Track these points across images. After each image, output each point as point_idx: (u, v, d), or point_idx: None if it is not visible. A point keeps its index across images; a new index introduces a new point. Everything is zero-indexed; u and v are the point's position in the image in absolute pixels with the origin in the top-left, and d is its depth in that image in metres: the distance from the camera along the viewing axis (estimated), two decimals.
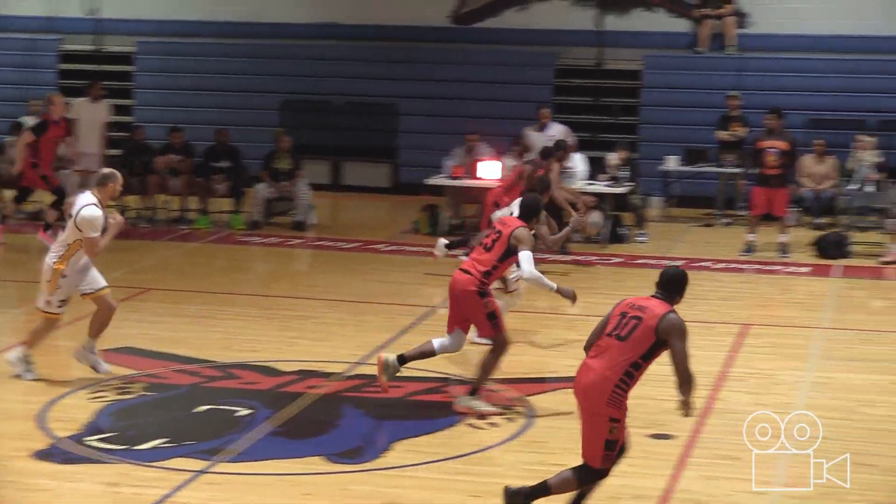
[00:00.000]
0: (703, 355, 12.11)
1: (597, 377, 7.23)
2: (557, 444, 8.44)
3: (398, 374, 9.44)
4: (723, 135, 19.16)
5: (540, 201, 10.14)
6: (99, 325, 9.95)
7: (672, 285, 7.47)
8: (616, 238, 16.43)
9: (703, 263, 16.19)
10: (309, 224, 17.21)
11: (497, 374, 9.82)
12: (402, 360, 9.49)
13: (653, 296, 7.41)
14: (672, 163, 18.63)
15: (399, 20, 21.06)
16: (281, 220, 17.51)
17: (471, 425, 8.90)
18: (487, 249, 9.52)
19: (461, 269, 9.51)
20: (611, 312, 7.38)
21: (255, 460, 8.34)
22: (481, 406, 9.32)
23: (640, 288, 8.76)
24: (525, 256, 9.38)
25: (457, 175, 16.73)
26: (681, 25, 21.97)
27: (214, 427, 8.73)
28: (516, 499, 7.42)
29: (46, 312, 9.81)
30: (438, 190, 17.20)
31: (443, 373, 10.18)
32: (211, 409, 9.03)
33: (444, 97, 20.91)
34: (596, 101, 20.42)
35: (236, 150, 17.82)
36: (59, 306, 9.72)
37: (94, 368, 9.86)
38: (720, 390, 10.87)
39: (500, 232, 9.57)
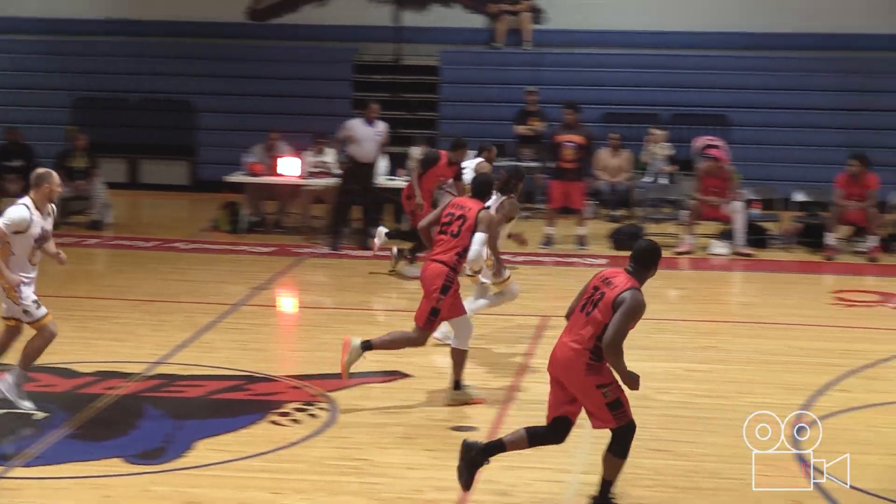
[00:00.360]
0: (504, 347, 12.46)
1: (569, 352, 7.46)
2: (360, 438, 8.54)
3: (208, 374, 9.56)
4: (521, 129, 19.48)
5: (492, 179, 10.58)
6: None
7: (643, 258, 7.64)
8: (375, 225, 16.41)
9: (503, 256, 16.12)
10: (106, 223, 17.07)
11: (298, 371, 10.12)
12: (368, 346, 9.59)
13: (625, 269, 7.58)
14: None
15: (195, 16, 20.99)
16: (77, 220, 17.30)
17: (274, 423, 8.95)
18: (455, 235, 9.65)
19: (433, 259, 9.62)
20: (586, 286, 7.60)
21: (53, 464, 8.20)
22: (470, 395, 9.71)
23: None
24: (479, 238, 9.60)
25: (256, 172, 16.71)
26: (477, 21, 22.28)
27: (9, 431, 8.54)
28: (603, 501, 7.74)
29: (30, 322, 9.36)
30: (238, 187, 17.12)
31: (245, 371, 10.17)
32: (5, 412, 8.81)
33: (242, 94, 20.98)
34: (394, 97, 20.57)
35: (30, 149, 17.47)
36: (38, 307, 9.25)
37: None
38: (521, 381, 11.04)
39: (463, 216, 9.66)
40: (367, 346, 9.60)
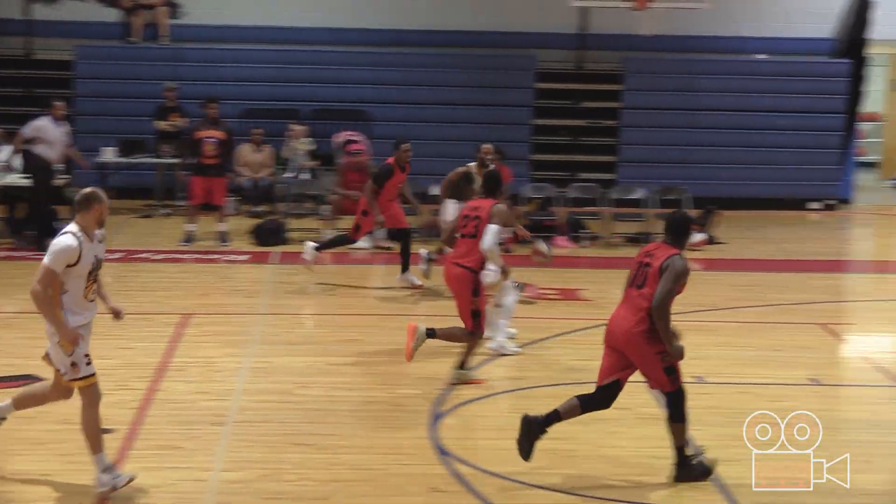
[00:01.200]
0: (143, 347, 12.25)
1: (627, 324, 8.20)
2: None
3: None
4: (161, 125, 19.29)
5: (499, 175, 10.86)
6: None
7: (677, 228, 8.33)
8: (50, 233, 16.15)
9: (142, 255, 16.40)
10: None
11: None
12: (432, 334, 10.36)
13: (663, 241, 8.30)
14: (109, 154, 18.64)
15: None
16: None
17: None
18: (473, 236, 10.11)
19: (454, 263, 10.18)
20: (634, 263, 8.37)
21: None
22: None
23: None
24: (492, 230, 10.02)
25: None
26: (113, 15, 21.85)
27: None
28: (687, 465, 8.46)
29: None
30: None
31: None
32: None
33: None
34: (27, 93, 20.08)
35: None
36: (88, 363, 8.19)
37: None
38: (161, 381, 10.97)
39: (477, 217, 10.13)
40: (430, 333, 10.37)
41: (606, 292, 15.04)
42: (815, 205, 22.00)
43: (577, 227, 18.80)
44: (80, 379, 8.04)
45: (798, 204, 22.07)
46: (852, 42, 22.27)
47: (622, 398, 9.38)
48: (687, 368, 9.18)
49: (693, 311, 13.88)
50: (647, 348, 8.31)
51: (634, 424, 10.65)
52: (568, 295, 15.32)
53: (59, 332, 7.95)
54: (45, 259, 7.91)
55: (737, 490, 8.85)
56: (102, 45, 21.55)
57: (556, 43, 22.22)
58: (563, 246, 18.10)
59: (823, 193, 22.27)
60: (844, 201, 22.58)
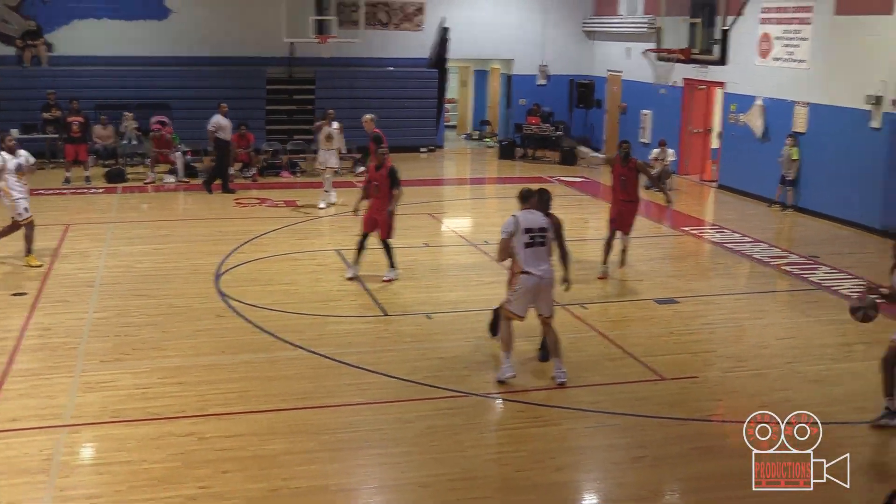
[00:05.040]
0: (44, 244, 13.62)
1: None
2: None
3: None
4: (46, 115, 20.53)
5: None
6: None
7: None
8: None
9: (41, 192, 17.73)
10: None
11: None
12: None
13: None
14: (15, 133, 18.07)
15: None
16: None
17: None
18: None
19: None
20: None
21: None
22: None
23: None
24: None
25: None
26: (11, 51, 22.27)
27: None
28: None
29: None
30: None
31: None
32: None
33: None
34: None
35: None
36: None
37: None
38: (55, 263, 12.98)
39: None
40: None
41: (311, 199, 17.89)
42: (423, 149, 25.09)
43: (295, 165, 21.85)
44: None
45: (415, 148, 24.94)
46: (438, 60, 25.34)
47: None
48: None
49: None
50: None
51: None
52: (290, 203, 17.94)
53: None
54: None
55: None
56: (4, 69, 22.08)
57: (278, 63, 24.04)
58: (286, 177, 21.06)
59: (428, 142, 25.45)
60: (439, 147, 26.02)
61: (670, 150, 21.28)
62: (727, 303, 12.42)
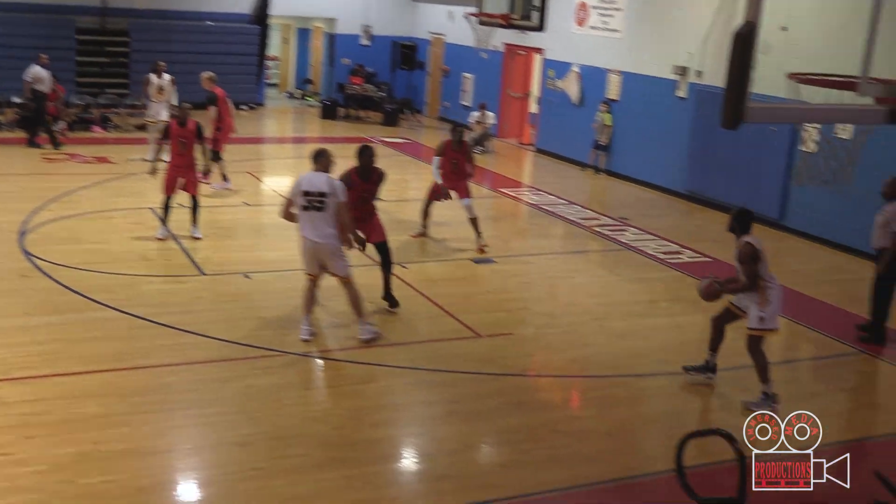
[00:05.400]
0: None
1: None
2: None
3: None
4: None
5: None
6: None
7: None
8: None
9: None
10: None
11: None
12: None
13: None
14: None
15: None
16: None
17: None
18: None
19: None
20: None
21: None
22: None
23: None
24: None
25: None
26: None
27: None
28: None
29: None
30: None
31: None
32: None
33: None
34: None
35: None
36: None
37: None
38: None
39: None
40: None
41: (126, 157, 17.78)
42: (244, 106, 24.29)
43: (107, 120, 21.20)
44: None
45: (236, 105, 22.06)
46: (260, 16, 25.04)
47: None
48: None
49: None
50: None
51: None
52: (102, 160, 17.50)
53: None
54: None
55: None
56: None
57: (89, 12, 23.10)
58: (98, 132, 20.47)
59: (249, 99, 25.22)
60: (260, 105, 26.06)
61: (490, 114, 21.71)
62: (542, 262, 12.86)
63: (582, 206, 16.37)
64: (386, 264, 10.33)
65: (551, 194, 17.15)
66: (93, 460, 6.77)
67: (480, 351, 9.36)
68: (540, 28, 21.32)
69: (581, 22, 20.29)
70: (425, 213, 13.50)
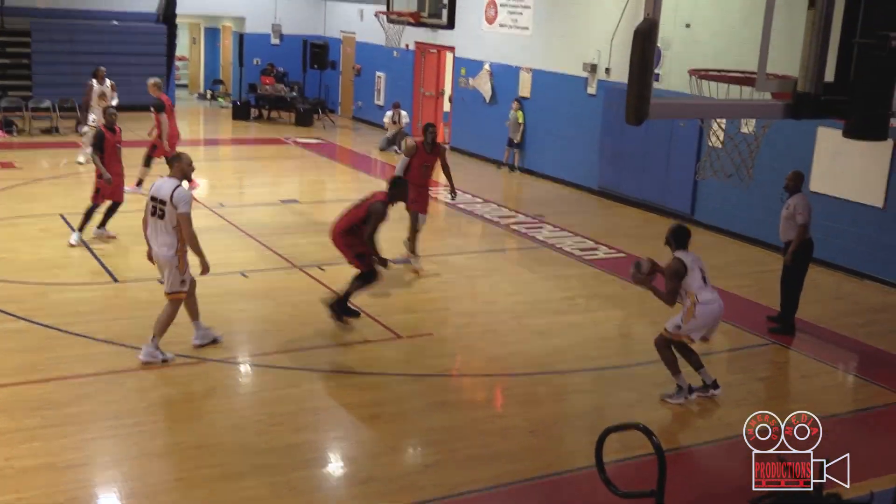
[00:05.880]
0: None
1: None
2: None
3: None
4: None
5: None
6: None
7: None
8: None
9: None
10: None
11: None
12: None
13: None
14: None
15: None
16: None
17: None
18: None
19: None
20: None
21: None
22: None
23: None
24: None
25: None
26: None
27: None
28: None
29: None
30: None
31: None
32: None
33: None
34: None
35: None
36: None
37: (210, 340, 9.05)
38: None
39: None
40: None
41: (33, 161, 17.56)
42: (153, 108, 25.60)
43: (10, 124, 20.69)
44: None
45: (144, 108, 23.44)
46: (167, 15, 24.68)
47: None
48: None
49: (88, 171, 16.67)
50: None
51: None
52: (6, 165, 17.12)
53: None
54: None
55: None
56: None
57: None
58: (1, 136, 19.89)
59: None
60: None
61: (404, 113, 21.70)
62: (460, 261, 12.91)
63: (498, 205, 16.48)
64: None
65: (467, 192, 17.21)
66: (7, 477, 6.55)
67: (402, 352, 9.35)
68: (450, 26, 21.35)
69: (491, 20, 20.42)
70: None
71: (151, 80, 15.83)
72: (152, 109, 15.45)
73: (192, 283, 8.91)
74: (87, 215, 12.31)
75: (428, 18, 21.88)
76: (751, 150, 10.95)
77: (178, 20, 25.31)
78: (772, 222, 11.66)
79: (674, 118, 13.60)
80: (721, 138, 11.21)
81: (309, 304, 10.37)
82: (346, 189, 17.64)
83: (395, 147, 21.02)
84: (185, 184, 8.66)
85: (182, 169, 8.67)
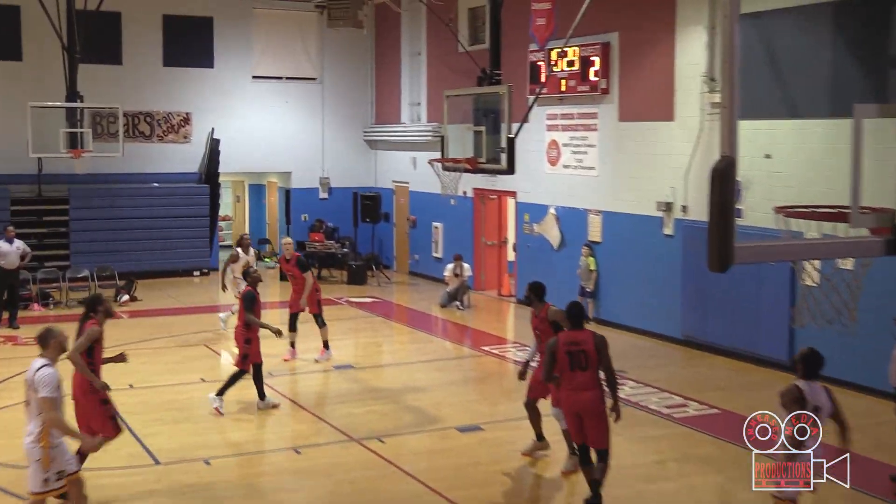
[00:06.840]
0: None
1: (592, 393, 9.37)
2: None
3: None
4: None
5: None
6: None
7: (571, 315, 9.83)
8: None
9: None
10: None
11: None
12: None
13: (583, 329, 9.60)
14: None
15: None
16: None
17: None
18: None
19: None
20: (557, 351, 9.41)
21: None
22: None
23: None
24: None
25: None
26: None
27: None
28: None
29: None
30: None
31: None
32: None
33: None
34: None
35: None
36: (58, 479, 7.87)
37: None
38: None
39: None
40: None
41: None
42: (196, 272, 25.08)
43: (47, 296, 21.17)
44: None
45: (188, 272, 25.01)
46: (209, 174, 25.42)
47: None
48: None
49: (129, 342, 15.97)
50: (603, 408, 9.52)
51: None
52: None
53: None
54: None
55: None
56: None
57: (23, 181, 23.60)
58: (38, 310, 20.40)
59: (201, 264, 25.32)
60: (214, 269, 24.97)
61: (466, 265, 21.81)
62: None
63: None
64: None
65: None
66: None
67: None
68: (510, 170, 21.65)
69: (553, 161, 20.70)
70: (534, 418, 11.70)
71: (286, 239, 16.75)
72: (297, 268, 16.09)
73: (79, 482, 8.17)
74: (233, 381, 12.83)
75: (486, 164, 22.21)
76: (851, 291, 10.67)
77: (220, 178, 26.07)
78: (880, 365, 11.29)
79: (761, 262, 13.37)
80: (816, 279, 10.98)
81: (368, 480, 10.16)
82: (404, 351, 17.58)
83: (458, 303, 21.06)
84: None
85: (55, 347, 8.05)
